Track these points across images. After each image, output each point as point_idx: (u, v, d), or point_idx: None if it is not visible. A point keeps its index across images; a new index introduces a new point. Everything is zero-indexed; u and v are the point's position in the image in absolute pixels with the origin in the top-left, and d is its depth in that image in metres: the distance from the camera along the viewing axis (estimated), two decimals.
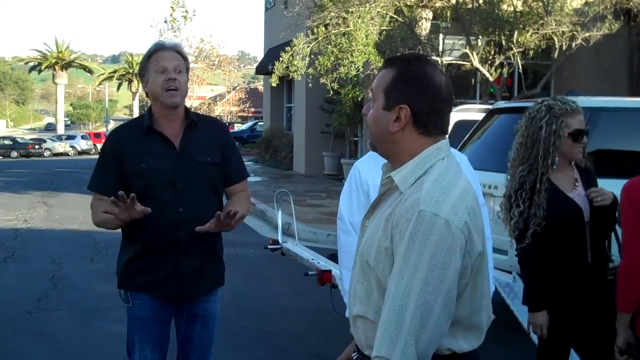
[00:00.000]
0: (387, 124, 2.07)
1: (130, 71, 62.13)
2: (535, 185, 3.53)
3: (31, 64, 68.20)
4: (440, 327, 1.89)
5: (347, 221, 3.33)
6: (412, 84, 2.05)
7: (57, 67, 63.16)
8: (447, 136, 2.12)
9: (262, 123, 34.45)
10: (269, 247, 5.94)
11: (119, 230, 3.42)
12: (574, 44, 14.42)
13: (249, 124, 46.36)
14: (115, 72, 70.13)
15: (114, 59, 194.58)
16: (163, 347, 3.48)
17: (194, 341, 3.52)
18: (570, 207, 3.53)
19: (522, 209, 3.56)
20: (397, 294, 1.87)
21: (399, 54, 2.25)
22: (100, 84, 77.46)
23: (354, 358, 2.23)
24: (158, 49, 3.34)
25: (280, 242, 5.93)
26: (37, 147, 48.22)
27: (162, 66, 3.28)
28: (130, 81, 63.32)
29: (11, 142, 49.03)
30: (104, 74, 71.56)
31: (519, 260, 3.66)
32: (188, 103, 3.55)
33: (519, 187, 3.59)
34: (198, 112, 3.67)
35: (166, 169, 3.30)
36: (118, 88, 74.10)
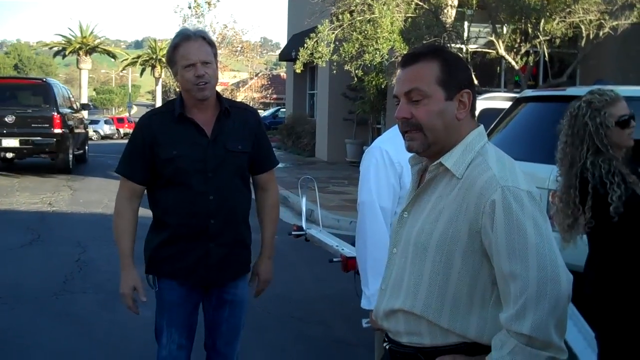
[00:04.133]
0: (453, 114, 2.09)
1: (154, 57, 62.20)
2: (603, 176, 3.43)
3: (55, 49, 68.43)
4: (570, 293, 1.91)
5: (378, 206, 3.22)
6: (463, 68, 2.13)
7: (81, 52, 63.33)
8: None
9: (284, 109, 34.43)
10: (293, 233, 5.92)
11: (144, 214, 3.44)
12: (601, 33, 14.25)
13: (271, 110, 46.34)
14: (138, 57, 70.27)
15: (137, 45, 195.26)
16: (191, 331, 3.50)
17: (221, 326, 3.54)
18: None
19: (589, 205, 3.46)
20: (523, 272, 1.87)
21: (420, 46, 2.29)
22: (123, 69, 77.80)
23: (387, 347, 2.21)
24: (183, 39, 3.28)
25: (304, 228, 5.92)
26: None
27: (190, 60, 3.24)
28: (153, 67, 63.37)
29: None
30: (127, 59, 71.76)
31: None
32: None
33: (580, 186, 3.50)
34: None
35: (197, 157, 3.30)
36: (141, 73, 74.29)
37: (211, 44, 3.35)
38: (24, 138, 16.51)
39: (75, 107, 20.06)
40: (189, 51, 3.25)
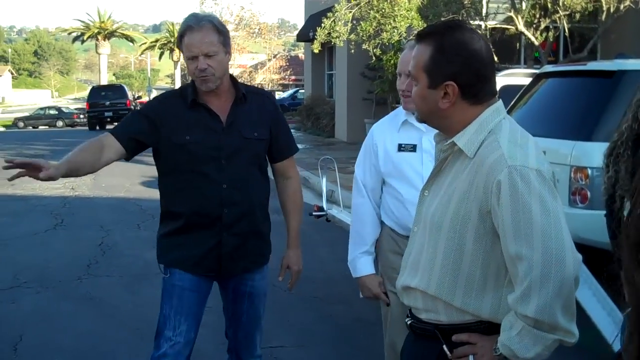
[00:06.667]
0: (436, 102, 2.04)
1: (172, 40, 62.22)
2: (624, 150, 3.48)
3: (74, 34, 68.71)
4: (577, 273, 1.88)
5: (360, 182, 3.38)
6: (453, 57, 2.00)
7: (99, 37, 63.57)
8: (498, 97, 2.10)
9: (303, 91, 34.39)
10: (314, 213, 5.93)
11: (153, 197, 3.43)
12: (622, 6, 14.07)
13: (290, 91, 46.31)
14: (156, 41, 70.31)
15: (155, 28, 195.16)
16: (197, 321, 3.37)
17: (241, 318, 3.47)
18: None
19: (610, 174, 3.51)
20: (528, 254, 1.85)
21: (431, 25, 2.17)
22: (142, 53, 77.84)
23: (408, 323, 2.23)
24: (187, 29, 3.12)
25: (325, 208, 5.93)
26: (82, 116, 48.83)
27: (192, 53, 3.11)
28: (171, 50, 63.50)
29: (57, 112, 49.77)
30: (145, 43, 71.81)
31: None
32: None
33: (609, 154, 3.53)
34: (239, 80, 3.43)
35: (211, 144, 3.19)
36: (160, 57, 74.33)
37: (219, 30, 3.15)
38: (114, 111, 34.48)
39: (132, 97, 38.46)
40: (192, 42, 3.11)
